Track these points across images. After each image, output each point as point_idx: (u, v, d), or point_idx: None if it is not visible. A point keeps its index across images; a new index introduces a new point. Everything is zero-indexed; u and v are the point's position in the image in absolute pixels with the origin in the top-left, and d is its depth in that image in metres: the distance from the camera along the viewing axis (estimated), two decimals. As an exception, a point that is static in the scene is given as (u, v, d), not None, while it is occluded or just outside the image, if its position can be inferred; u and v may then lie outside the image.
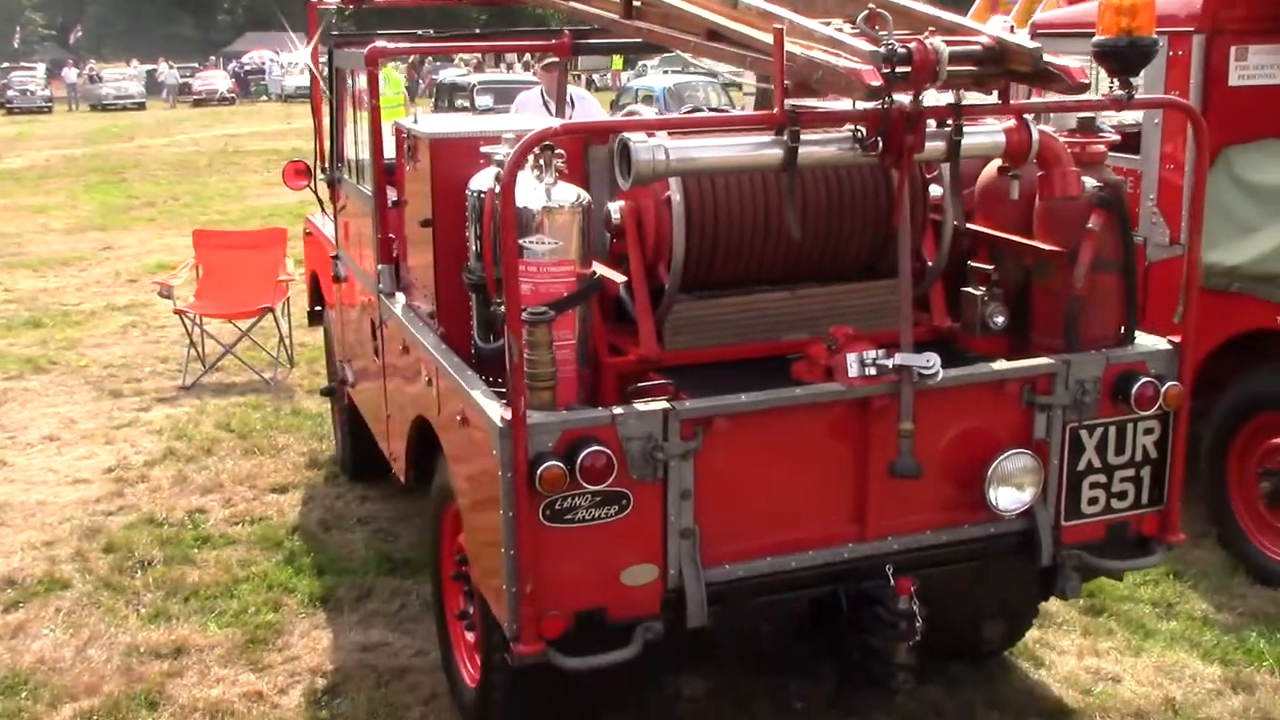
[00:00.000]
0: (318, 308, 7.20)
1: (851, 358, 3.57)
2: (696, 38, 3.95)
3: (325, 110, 6.08)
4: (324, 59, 6.12)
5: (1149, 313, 5.32)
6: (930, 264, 4.17)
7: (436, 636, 4.64)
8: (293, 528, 6.18)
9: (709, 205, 3.85)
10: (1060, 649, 4.84)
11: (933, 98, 3.40)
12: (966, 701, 4.46)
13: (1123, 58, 3.53)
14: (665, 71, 28.48)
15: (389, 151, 4.89)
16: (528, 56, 27.15)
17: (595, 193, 4.01)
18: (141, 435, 7.69)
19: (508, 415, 3.24)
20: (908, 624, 3.57)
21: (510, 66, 34.11)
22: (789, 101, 3.28)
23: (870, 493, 3.64)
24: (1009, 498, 3.73)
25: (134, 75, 52.65)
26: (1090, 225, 3.81)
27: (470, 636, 4.23)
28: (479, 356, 4.02)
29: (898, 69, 3.17)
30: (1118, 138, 4.48)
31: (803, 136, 3.32)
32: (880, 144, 3.34)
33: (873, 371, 3.55)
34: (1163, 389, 3.81)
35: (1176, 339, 3.91)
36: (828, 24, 3.54)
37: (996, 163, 4.12)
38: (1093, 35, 3.59)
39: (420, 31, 5.65)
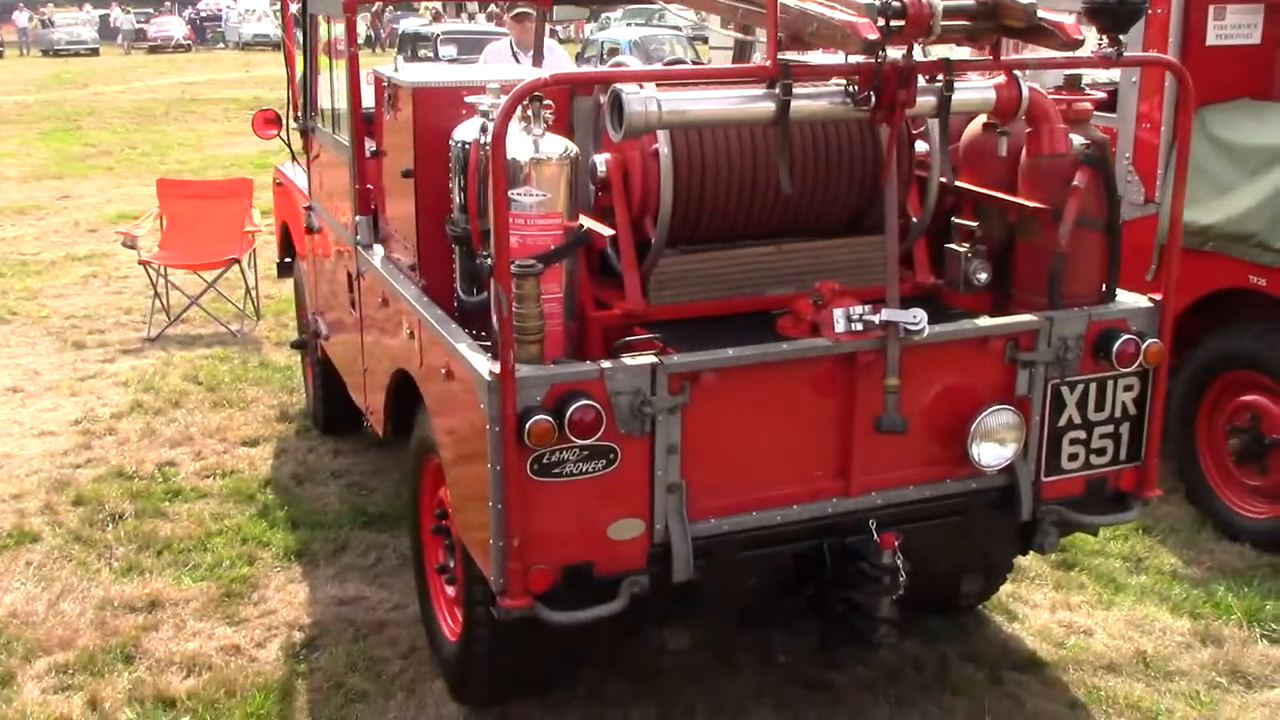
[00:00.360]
0: (287, 259, 7.11)
1: (838, 313, 3.56)
2: (685, -12, 3.91)
3: (297, 57, 5.97)
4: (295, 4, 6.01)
5: (1122, 270, 5.36)
6: (915, 220, 4.17)
7: (415, 590, 4.63)
8: (265, 481, 6.14)
9: (696, 159, 3.82)
10: (1033, 603, 4.91)
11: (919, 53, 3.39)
12: (943, 654, 4.52)
13: (1113, 15, 3.53)
14: (629, 24, 28.26)
15: (367, 100, 4.81)
16: (492, 7, 26.83)
17: (580, 145, 3.97)
18: (107, 387, 7.60)
19: (496, 369, 3.22)
20: (891, 578, 3.59)
21: (472, 16, 33.70)
22: (781, 55, 3.26)
23: (855, 448, 3.66)
24: (991, 453, 3.76)
25: (87, 20, 51.60)
26: (1076, 183, 3.82)
27: (451, 590, 4.22)
28: (462, 310, 3.99)
29: (892, 23, 3.15)
30: (1104, 96, 4.48)
31: (794, 90, 3.30)
32: (872, 99, 3.32)
33: (859, 327, 3.56)
34: (1143, 346, 3.84)
35: (1158, 297, 3.94)
36: (820, -24, 3.51)
37: (982, 119, 4.12)
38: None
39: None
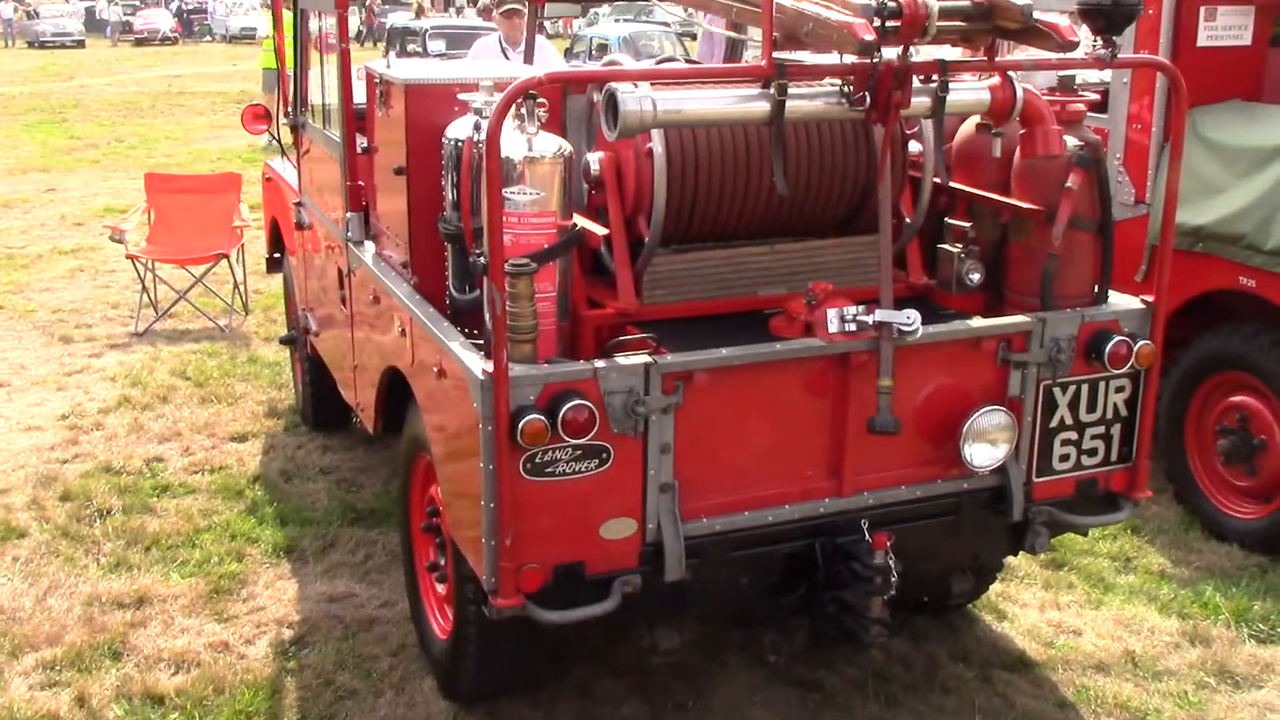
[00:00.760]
0: (276, 254, 7.08)
1: (831, 313, 3.56)
2: (680, -13, 3.90)
3: (288, 52, 5.95)
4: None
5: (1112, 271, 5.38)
6: (908, 221, 4.17)
7: (404, 587, 4.62)
8: (254, 477, 6.11)
9: (690, 158, 3.81)
10: (1022, 602, 4.92)
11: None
12: (932, 654, 4.53)
13: (1107, 17, 3.53)
14: (618, 20, 28.25)
15: (358, 96, 4.79)
16: (482, 1, 26.78)
17: (573, 143, 3.96)
18: (95, 382, 7.57)
19: (489, 368, 3.21)
20: (882, 579, 3.59)
21: (460, 10, 33.62)
22: (776, 54, 3.25)
23: (847, 448, 3.66)
24: (983, 454, 3.76)
25: (73, 12, 51.30)
26: (1069, 184, 3.82)
27: (441, 588, 4.21)
28: (454, 307, 3.98)
29: (888, 23, 3.15)
30: (1097, 97, 4.49)
31: (790, 90, 3.29)
32: (867, 99, 3.32)
33: (852, 327, 3.55)
34: (1135, 348, 3.85)
35: (1149, 298, 3.94)
36: (815, -25, 3.51)
37: (975, 120, 4.12)
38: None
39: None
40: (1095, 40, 3.63)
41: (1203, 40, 5.60)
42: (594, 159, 4.01)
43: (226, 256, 8.65)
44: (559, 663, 4.35)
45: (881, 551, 3.60)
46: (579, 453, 3.31)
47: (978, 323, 3.81)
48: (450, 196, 3.91)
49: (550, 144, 3.54)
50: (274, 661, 4.50)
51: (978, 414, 3.72)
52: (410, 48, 22.35)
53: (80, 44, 46.01)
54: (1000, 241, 4.06)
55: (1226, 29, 5.66)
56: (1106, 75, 5.85)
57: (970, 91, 3.66)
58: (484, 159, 3.20)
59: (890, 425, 3.51)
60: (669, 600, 3.57)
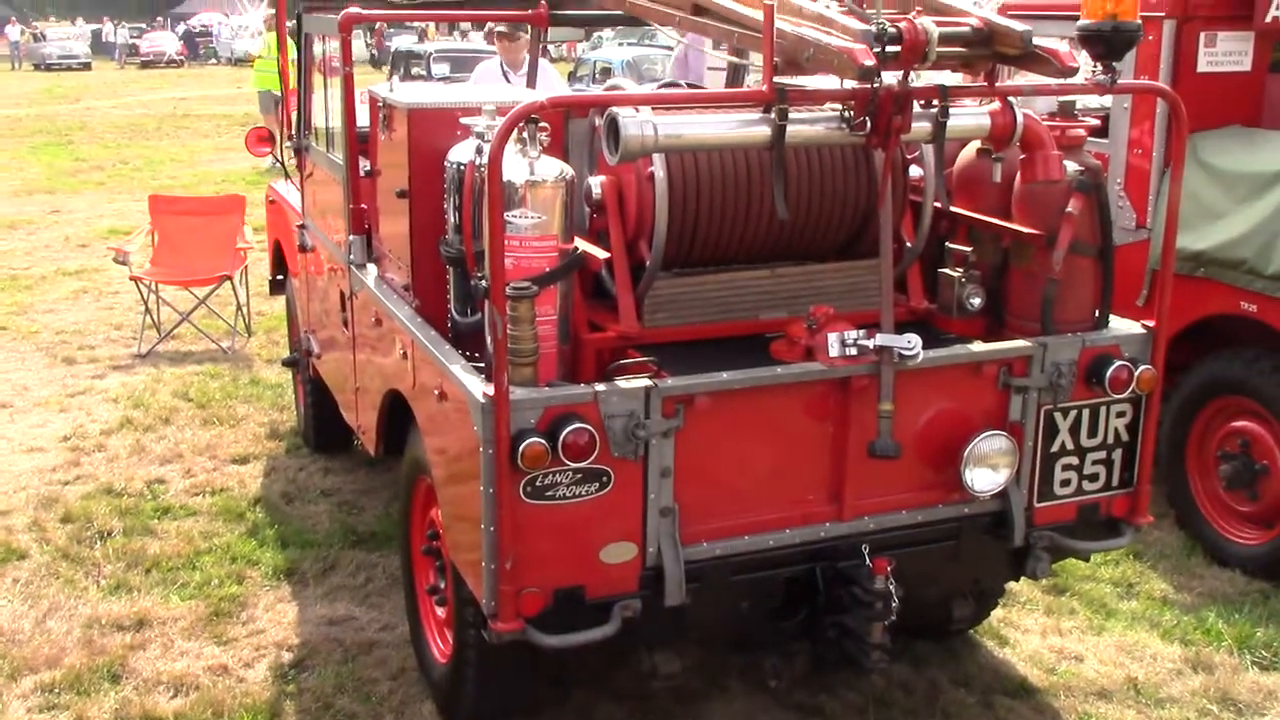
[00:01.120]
0: (279, 277, 7.10)
1: (832, 337, 3.57)
2: (681, 12, 3.92)
3: (292, 76, 5.98)
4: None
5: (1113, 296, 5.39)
6: (909, 245, 4.18)
7: (405, 610, 4.61)
8: (255, 499, 6.11)
9: (691, 182, 3.83)
10: (1024, 628, 4.91)
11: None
12: (933, 680, 4.51)
13: (1107, 42, 3.53)
14: (621, 44, 28.32)
15: (362, 120, 4.81)
16: (488, 25, 26.86)
17: (574, 166, 3.97)
18: (97, 403, 7.57)
19: (490, 391, 3.21)
20: (883, 604, 3.58)
21: (465, 34, 33.74)
22: (777, 79, 3.27)
23: (848, 472, 3.66)
24: (984, 479, 3.76)
25: (79, 35, 51.64)
26: (1070, 209, 3.83)
27: (442, 612, 4.21)
28: (456, 330, 3.98)
29: (888, 48, 3.16)
30: (1097, 122, 4.50)
31: (790, 114, 3.31)
32: (868, 124, 3.33)
33: (853, 352, 3.56)
34: (1136, 373, 3.85)
35: (1150, 323, 3.95)
36: (815, 1, 3.53)
37: (975, 144, 4.13)
38: (1066, 17, 3.59)
39: (392, -1, 5.56)
40: (1095, 66, 3.65)
41: (1203, 66, 5.62)
42: (595, 183, 4.02)
43: (230, 278, 8.67)
44: (559, 687, 4.34)
45: (882, 576, 3.60)
46: (579, 476, 3.31)
47: (978, 347, 3.81)
48: (452, 220, 3.92)
49: (552, 168, 3.55)
50: (273, 685, 4.49)
51: (979, 439, 3.71)
52: (415, 71, 22.44)
53: (86, 66, 46.28)
54: (1001, 266, 4.06)
55: (1227, 55, 5.68)
56: (1107, 100, 5.87)
57: (970, 117, 3.67)
58: (486, 182, 3.21)
59: (891, 450, 3.51)
60: (669, 624, 3.57)
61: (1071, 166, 3.88)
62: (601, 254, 3.83)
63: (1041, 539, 3.90)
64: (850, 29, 3.19)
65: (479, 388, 3.31)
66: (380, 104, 4.45)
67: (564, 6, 5.51)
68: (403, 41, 29.28)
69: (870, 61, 3.09)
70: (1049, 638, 4.84)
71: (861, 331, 3.56)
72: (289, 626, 4.89)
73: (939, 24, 3.27)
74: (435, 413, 3.78)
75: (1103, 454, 3.94)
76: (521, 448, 3.19)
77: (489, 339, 3.32)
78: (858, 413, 3.60)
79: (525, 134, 3.51)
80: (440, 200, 3.99)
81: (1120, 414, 3.93)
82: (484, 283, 3.40)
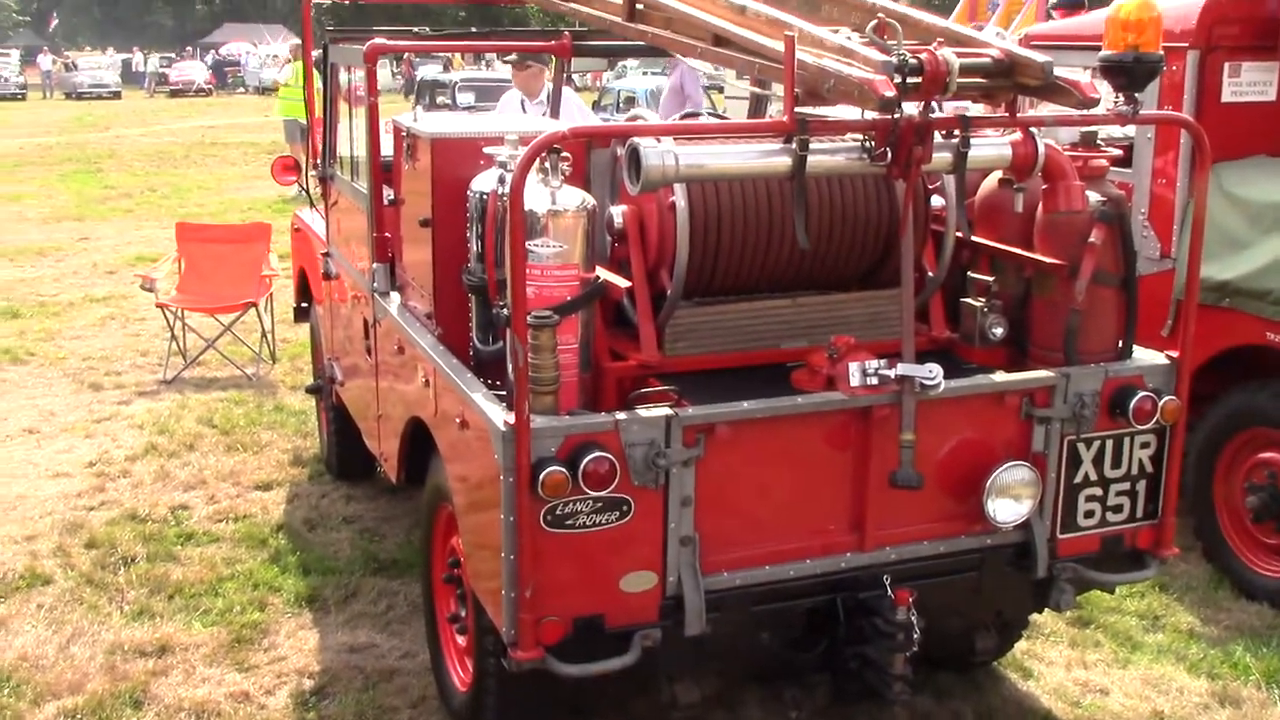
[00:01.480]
0: (304, 304, 7.14)
1: (853, 367, 3.56)
2: (702, 43, 3.94)
3: (318, 105, 6.04)
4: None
5: (1137, 325, 5.36)
6: (931, 275, 4.17)
7: (425, 638, 4.61)
8: (277, 526, 6.13)
9: (713, 212, 3.84)
10: (1049, 660, 4.86)
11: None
12: (956, 712, 4.47)
13: (1129, 73, 3.54)
14: (645, 73, 28.45)
15: (386, 149, 4.85)
16: (512, 55, 27.04)
17: (596, 196, 3.99)
18: (122, 429, 7.62)
19: (511, 419, 3.22)
20: (905, 635, 3.57)
21: (489, 64, 33.99)
22: (798, 110, 3.28)
23: (869, 502, 3.65)
24: (1007, 510, 3.74)
25: (110, 64, 52.31)
26: (1092, 239, 3.82)
27: (462, 640, 4.20)
28: (478, 359, 4.00)
29: (909, 79, 3.17)
30: (1120, 153, 4.49)
31: (811, 145, 3.32)
32: (889, 154, 3.33)
33: (874, 381, 3.55)
34: (1160, 403, 3.83)
35: (1174, 354, 3.93)
36: (836, 32, 3.54)
37: (997, 174, 4.13)
38: (1089, 47, 3.59)
39: (417, 29, 5.61)
40: (1117, 96, 3.64)
41: (1227, 96, 5.61)
42: (617, 212, 4.04)
43: (255, 305, 8.73)
44: (578, 716, 4.32)
45: (904, 607, 3.58)
46: (600, 505, 3.31)
47: (1001, 377, 3.80)
48: (474, 248, 3.94)
49: (573, 197, 3.57)
50: (294, 712, 4.49)
51: (1001, 469, 3.70)
52: (439, 100, 22.61)
53: (117, 95, 46.85)
54: (1023, 296, 4.05)
55: (1251, 85, 5.67)
56: (1131, 130, 5.85)
57: (992, 147, 3.67)
58: (508, 211, 3.23)
59: (912, 480, 3.50)
60: (689, 654, 3.56)
61: (1094, 197, 3.88)
62: (623, 283, 3.84)
63: (1065, 570, 3.88)
64: (871, 60, 3.19)
65: (500, 416, 3.32)
66: (404, 133, 4.49)
67: (588, 37, 5.55)
68: (428, 71, 29.53)
69: (891, 93, 3.09)
70: (1074, 670, 4.79)
71: (883, 361, 3.55)
72: (310, 653, 4.89)
73: (960, 55, 3.28)
74: (456, 440, 3.79)
75: (1127, 485, 3.92)
76: (542, 476, 3.20)
77: (510, 367, 3.33)
78: (879, 442, 3.59)
79: (547, 163, 3.53)
80: (463, 229, 4.01)
81: (1144, 445, 3.91)
82: (505, 311, 3.42)
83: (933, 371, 3.51)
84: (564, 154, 3.59)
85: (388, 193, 4.86)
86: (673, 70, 9.61)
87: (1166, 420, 3.86)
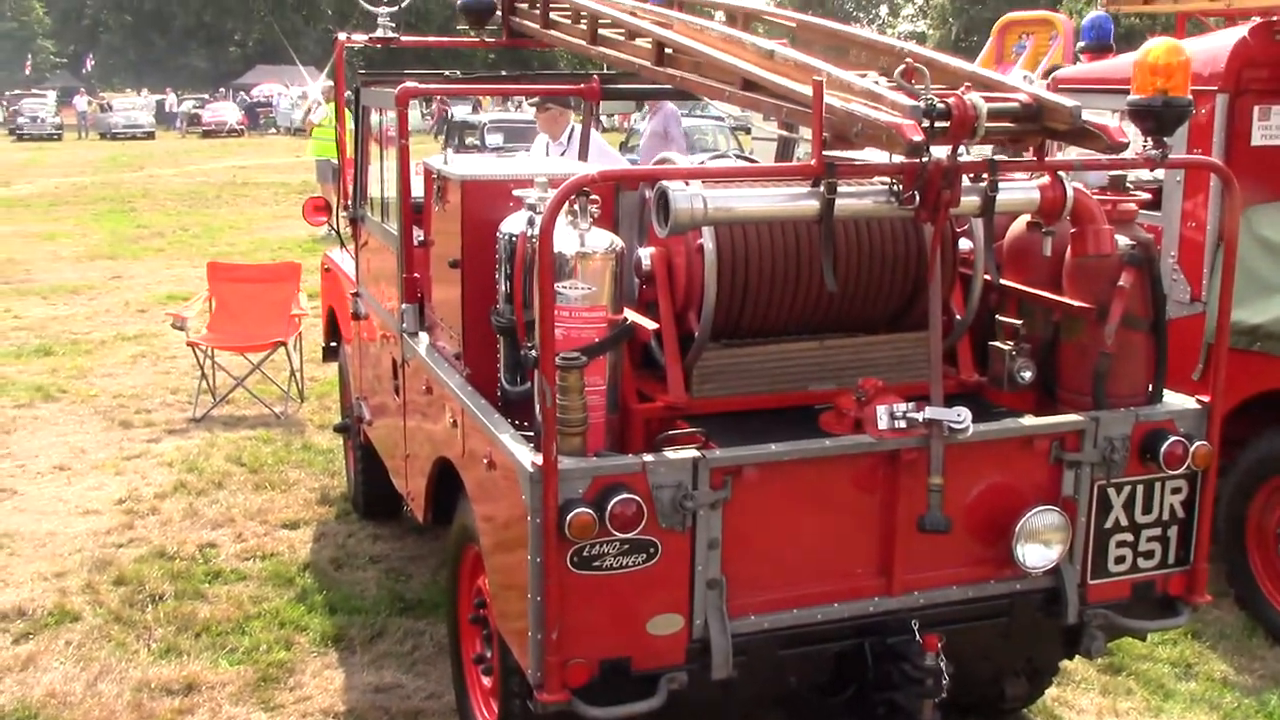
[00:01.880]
0: (333, 343, 7.19)
1: (881, 410, 3.55)
2: (730, 86, 3.96)
3: (349, 146, 6.10)
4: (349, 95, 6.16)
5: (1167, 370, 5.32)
6: (959, 317, 4.17)
7: (451, 679, 4.60)
8: (304, 565, 6.15)
9: (740, 254, 3.85)
10: (1079, 708, 4.81)
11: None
12: (985, 759, 4.42)
13: (1157, 118, 3.54)
14: (673, 114, 28.56)
15: (416, 190, 4.90)
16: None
17: (624, 238, 4.02)
18: (152, 467, 7.67)
19: (539, 460, 3.23)
20: (934, 681, 3.53)
21: (519, 105, 34.29)
22: (826, 153, 3.29)
23: (897, 546, 3.63)
24: (1036, 555, 3.71)
25: (144, 105, 53.03)
26: (1121, 283, 3.81)
27: (488, 681, 4.19)
28: (505, 399, 4.01)
29: (937, 124, 3.18)
30: (1149, 196, 4.48)
31: (839, 188, 3.33)
32: (917, 197, 3.34)
33: (902, 425, 3.54)
34: (1191, 448, 3.80)
35: (1205, 398, 3.90)
36: (864, 76, 3.56)
37: (1025, 218, 4.13)
38: (1117, 91, 3.59)
39: (448, 72, 5.67)
40: (1146, 140, 3.64)
41: (1257, 140, 5.60)
42: (645, 254, 4.06)
43: (284, 344, 8.79)
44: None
45: (933, 653, 3.55)
46: (626, 547, 3.31)
47: (1030, 421, 3.79)
48: (503, 290, 3.96)
49: (602, 239, 3.59)
50: (318, 752, 4.49)
51: (1030, 514, 3.68)
52: (469, 141, 22.83)
53: (150, 135, 47.45)
54: (1052, 339, 4.04)
55: (1281, 128, 5.66)
56: (1160, 172, 5.84)
57: (1020, 191, 3.66)
58: (537, 253, 3.25)
59: (941, 524, 3.48)
60: (716, 698, 3.53)
61: (1123, 240, 3.87)
62: (650, 325, 3.85)
63: (1096, 617, 3.84)
64: (899, 104, 3.21)
65: (528, 457, 3.33)
66: (435, 175, 4.53)
67: (617, 80, 5.60)
68: (457, 112, 29.81)
69: (919, 137, 3.10)
70: (1105, 718, 4.74)
71: (911, 404, 3.54)
72: (336, 693, 4.89)
73: (988, 99, 3.29)
74: (484, 481, 3.80)
75: (1158, 531, 3.89)
76: (569, 517, 3.20)
77: (538, 408, 3.34)
78: (907, 486, 3.57)
79: (576, 206, 3.56)
80: (492, 270, 4.04)
81: (1175, 490, 3.88)
82: (534, 352, 3.42)
83: (961, 415, 3.50)
84: (593, 196, 3.61)
85: (418, 234, 4.90)
86: (654, 114, 9.70)
87: (1198, 465, 3.83)
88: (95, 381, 9.82)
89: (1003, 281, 4.17)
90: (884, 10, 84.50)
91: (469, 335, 4.26)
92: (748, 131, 22.46)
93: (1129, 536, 3.85)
